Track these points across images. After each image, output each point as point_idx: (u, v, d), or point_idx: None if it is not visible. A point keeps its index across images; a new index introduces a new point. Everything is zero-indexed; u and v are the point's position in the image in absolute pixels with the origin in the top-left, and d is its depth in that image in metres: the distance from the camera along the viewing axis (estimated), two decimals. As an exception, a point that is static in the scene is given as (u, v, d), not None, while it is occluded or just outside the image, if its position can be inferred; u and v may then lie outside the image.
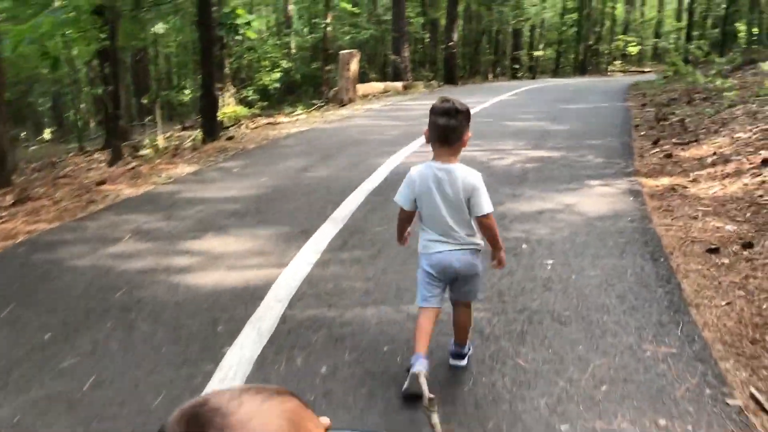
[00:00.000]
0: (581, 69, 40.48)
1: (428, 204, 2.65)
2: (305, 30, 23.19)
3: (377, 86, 16.80)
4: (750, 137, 7.27)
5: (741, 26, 26.38)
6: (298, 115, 12.38)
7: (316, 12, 21.82)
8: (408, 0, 21.85)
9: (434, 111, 2.63)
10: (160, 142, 10.22)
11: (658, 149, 7.58)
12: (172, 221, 5.26)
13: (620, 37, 44.90)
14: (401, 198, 2.73)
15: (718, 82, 11.39)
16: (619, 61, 44.86)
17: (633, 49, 44.64)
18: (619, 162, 6.97)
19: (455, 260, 2.66)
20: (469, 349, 2.92)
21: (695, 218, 5.00)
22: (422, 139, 6.83)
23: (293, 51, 21.20)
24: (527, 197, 5.64)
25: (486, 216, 2.63)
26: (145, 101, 12.89)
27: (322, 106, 13.37)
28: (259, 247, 4.55)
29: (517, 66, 35.20)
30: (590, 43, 40.44)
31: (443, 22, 26.27)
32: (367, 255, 4.30)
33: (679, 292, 3.66)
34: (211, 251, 4.47)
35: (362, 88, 15.56)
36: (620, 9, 46.60)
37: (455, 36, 22.22)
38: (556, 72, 40.56)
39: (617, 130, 9.01)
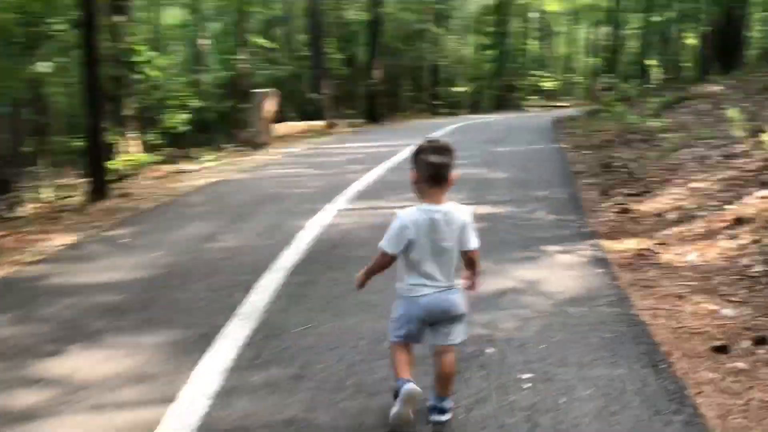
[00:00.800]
0: (499, 104, 40.89)
1: (418, 251, 2.57)
2: (218, 66, 21.97)
3: (297, 126, 15.78)
4: (709, 187, 6.66)
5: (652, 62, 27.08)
6: (208, 161, 11.15)
7: (228, 47, 20.66)
8: (326, 36, 21.06)
9: (424, 150, 2.60)
10: (45, 195, 8.78)
11: (610, 202, 6.86)
12: (26, 325, 3.98)
13: (535, 72, 45.84)
14: (391, 245, 2.60)
15: (653, 122, 10.99)
16: (535, 96, 45.78)
17: (548, 84, 45.66)
18: (572, 219, 6.18)
19: (443, 301, 2.61)
20: (452, 403, 2.72)
21: (681, 298, 4.19)
22: (351, 193, 5.76)
23: (206, 88, 19.92)
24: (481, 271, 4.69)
25: (473, 251, 2.70)
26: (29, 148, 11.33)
27: (235, 151, 12.18)
28: (140, 367, 3.35)
29: (437, 102, 35.00)
30: (508, 78, 40.97)
31: (363, 57, 25.67)
32: (287, 376, 3.20)
33: (701, 421, 2.76)
34: (72, 378, 3.24)
35: (280, 129, 14.50)
36: (534, 45, 47.70)
37: (377, 72, 21.54)
38: (475, 107, 40.80)
39: (559, 178, 8.31)
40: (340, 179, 8.40)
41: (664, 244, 5.31)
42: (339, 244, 5.41)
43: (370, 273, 2.76)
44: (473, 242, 2.65)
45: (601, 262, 4.89)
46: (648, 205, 6.57)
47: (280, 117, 18.76)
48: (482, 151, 11.16)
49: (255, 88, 18.19)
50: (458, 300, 2.66)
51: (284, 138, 14.35)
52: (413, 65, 32.81)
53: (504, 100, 41.57)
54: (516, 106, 41.68)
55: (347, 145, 12.75)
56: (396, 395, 2.57)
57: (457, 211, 2.61)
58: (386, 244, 2.62)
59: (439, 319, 2.63)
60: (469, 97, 41.97)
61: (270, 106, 12.72)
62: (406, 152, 10.97)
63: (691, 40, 27.74)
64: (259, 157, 11.23)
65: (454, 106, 37.60)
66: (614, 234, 5.67)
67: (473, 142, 12.79)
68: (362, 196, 7.34)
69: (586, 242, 5.41)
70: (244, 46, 18.33)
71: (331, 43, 22.37)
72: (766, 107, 10.20)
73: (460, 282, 2.71)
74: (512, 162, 9.78)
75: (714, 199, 6.29)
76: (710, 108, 11.78)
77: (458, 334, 2.69)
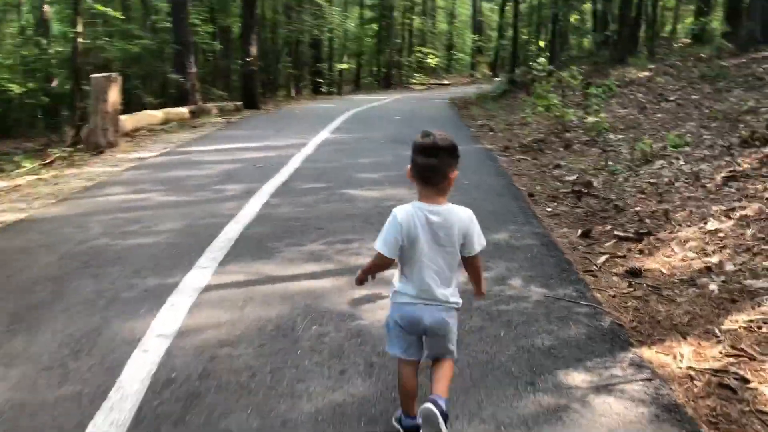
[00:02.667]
0: (385, 82, 39.01)
1: (411, 251, 2.36)
2: (59, 39, 18.18)
3: (154, 116, 12.71)
4: (734, 229, 4.71)
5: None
6: (23, 174, 8.05)
7: (67, 16, 16.95)
8: (193, 5, 17.82)
9: (414, 148, 2.36)
10: None
11: (602, 252, 4.78)
12: None
13: (419, 48, 44.21)
14: (385, 246, 2.35)
15: (592, 118, 9.12)
16: (419, 74, 44.34)
17: (432, 61, 44.18)
18: (571, 295, 4.02)
19: (425, 315, 2.39)
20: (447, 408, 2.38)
21: None
22: (223, 244, 4.62)
23: (41, 67, 16.21)
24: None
25: (475, 256, 2.47)
26: None
27: (67, 156, 9.11)
28: None
29: (319, 80, 32.37)
30: (392, 54, 38.99)
31: (237, 30, 22.53)
32: None
33: None
34: None
35: (132, 121, 11.45)
36: (418, 21, 45.96)
37: (254, 49, 18.61)
38: (358, 85, 38.76)
39: (511, 204, 6.16)
40: (208, 216, 5.80)
41: (742, 354, 3.26)
42: (195, 395, 2.91)
43: (367, 273, 2.55)
44: (475, 247, 2.41)
45: (669, 409, 2.77)
46: (660, 261, 4.54)
47: (136, 103, 15.54)
48: (395, 156, 8.85)
49: (104, 68, 14.89)
50: (447, 319, 2.42)
51: (137, 134, 11.30)
52: (293, 40, 29.91)
53: (389, 78, 39.84)
54: (401, 84, 40.13)
55: (219, 146, 10.00)
56: (399, 421, 2.50)
57: (456, 213, 2.37)
58: (380, 244, 2.37)
59: (423, 333, 2.44)
60: (353, 74, 39.81)
61: (114, 95, 9.70)
62: (299, 159, 8.46)
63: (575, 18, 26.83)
64: (95, 168, 8.25)
65: (338, 85, 35.21)
66: (650, 331, 3.57)
67: (377, 141, 10.44)
68: (242, 251, 4.82)
69: (619, 356, 3.26)
70: (83, 15, 14.79)
71: (199, 13, 19.12)
72: (723, 99, 8.59)
73: (457, 300, 2.45)
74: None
75: (753, 252, 4.36)
76: (652, 99, 10.11)
77: (447, 349, 2.48)
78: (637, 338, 3.49)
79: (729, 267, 4.24)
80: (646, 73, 12.24)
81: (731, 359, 3.23)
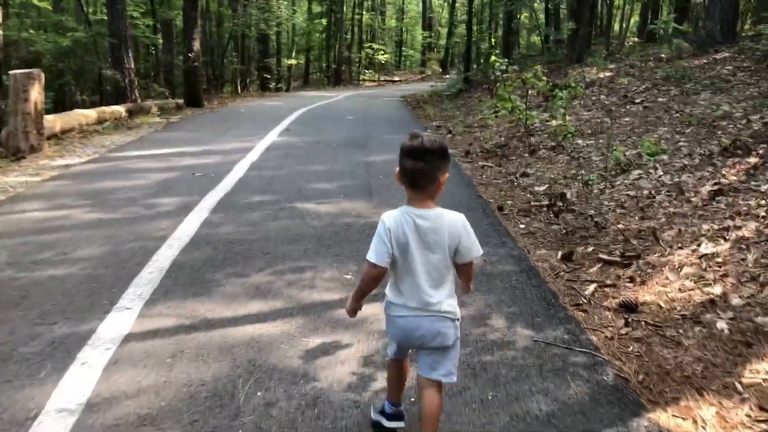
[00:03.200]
0: (335, 78, 38.26)
1: (402, 258, 2.23)
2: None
3: (86, 116, 11.69)
4: (732, 254, 4.23)
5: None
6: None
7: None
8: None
9: (402, 151, 2.22)
10: None
11: (592, 285, 4.22)
12: None
13: (369, 44, 43.56)
14: (376, 254, 2.22)
15: (556, 122, 8.64)
16: (369, 70, 43.75)
17: (382, 58, 43.59)
18: (564, 339, 3.45)
19: (419, 327, 2.25)
20: None
21: None
22: (150, 276, 4.02)
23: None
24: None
25: (469, 264, 2.31)
26: None
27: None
28: None
29: (267, 76, 31.36)
30: (341, 50, 38.23)
31: (180, 23, 21.42)
32: None
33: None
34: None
35: (61, 121, 10.45)
36: (367, 17, 45.29)
37: (197, 43, 17.61)
38: (307, 81, 37.95)
39: (483, 223, 5.55)
40: (136, 238, 5.02)
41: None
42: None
43: (362, 294, 2.36)
44: (477, 249, 2.28)
45: None
46: (655, 291, 4.01)
47: (68, 101, 14.45)
48: (350, 162, 8.17)
49: (34, 63, 13.78)
50: (443, 330, 2.26)
51: (66, 136, 10.31)
52: (239, 34, 28.84)
53: (339, 74, 39.10)
54: (352, 81, 39.44)
55: (155, 150, 9.13)
56: (381, 412, 2.52)
57: (447, 217, 2.25)
58: (372, 254, 2.23)
59: (418, 345, 2.31)
60: (302, 70, 38.88)
61: (36, 94, 8.72)
62: (244, 167, 7.70)
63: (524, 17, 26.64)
64: (11, 178, 7.30)
65: (286, 81, 34.25)
66: (660, 387, 3.02)
67: (329, 144, 9.74)
68: (174, 285, 4.09)
69: (632, 425, 2.72)
70: (9, 4, 13.60)
71: (138, 4, 18.01)
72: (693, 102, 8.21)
73: (454, 310, 2.29)
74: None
75: (759, 282, 3.87)
76: (617, 101, 9.71)
77: (445, 368, 2.30)
78: (647, 396, 2.94)
79: (736, 301, 3.73)
80: (607, 74, 11.87)
81: (764, 425, 2.70)
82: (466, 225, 2.28)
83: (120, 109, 13.36)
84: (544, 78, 8.85)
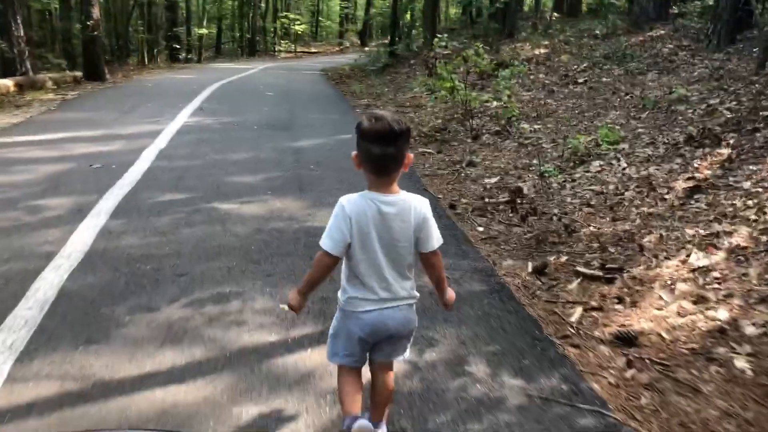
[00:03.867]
0: (250, 49, 36.64)
1: (363, 248, 2.04)
2: None
3: (-35, 92, 10.15)
4: (729, 266, 3.69)
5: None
6: None
7: None
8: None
9: (365, 135, 1.97)
10: None
11: (577, 308, 3.58)
12: None
13: (284, 14, 41.93)
14: (331, 242, 2.02)
15: (496, 103, 8.03)
16: (285, 41, 42.30)
17: (299, 28, 42.08)
18: (562, 390, 2.80)
19: (390, 319, 2.11)
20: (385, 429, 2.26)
21: None
22: (33, 316, 3.19)
23: None
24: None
25: (435, 252, 2.16)
26: None
27: None
28: None
29: (176, 46, 29.46)
30: (255, 19, 36.57)
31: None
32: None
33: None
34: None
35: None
36: (283, -16, 43.56)
37: (96, 10, 15.94)
38: (219, 51, 36.22)
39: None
40: (13, 256, 4.00)
41: None
42: None
43: (311, 285, 2.12)
44: (434, 241, 2.13)
45: None
46: (651, 316, 3.42)
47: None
48: (274, 152, 7.25)
49: None
50: (411, 316, 2.18)
51: (-63, 116, 8.83)
52: (145, 1, 26.82)
53: (253, 45, 37.43)
54: (267, 52, 37.88)
55: (46, 135, 7.86)
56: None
57: (413, 202, 2.07)
58: (327, 241, 2.02)
59: (386, 337, 2.15)
60: (213, 40, 36.96)
61: None
62: (151, 156, 6.66)
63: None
64: None
65: (197, 52, 32.37)
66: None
67: (246, 128, 8.73)
68: (59, 327, 3.16)
69: None
70: None
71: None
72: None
73: (414, 293, 2.17)
74: (341, 180, 6.07)
75: (753, 295, 3.36)
76: (557, 81, 9.19)
77: (402, 350, 2.25)
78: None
79: (750, 330, 3.17)
80: (542, 50, 11.37)
81: None
82: (429, 209, 2.11)
83: (8, 83, 11.80)
84: (486, 56, 8.19)
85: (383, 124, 1.93)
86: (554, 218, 4.78)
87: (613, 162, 5.62)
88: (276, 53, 37.87)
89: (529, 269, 4.05)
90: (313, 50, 41.42)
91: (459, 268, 4.02)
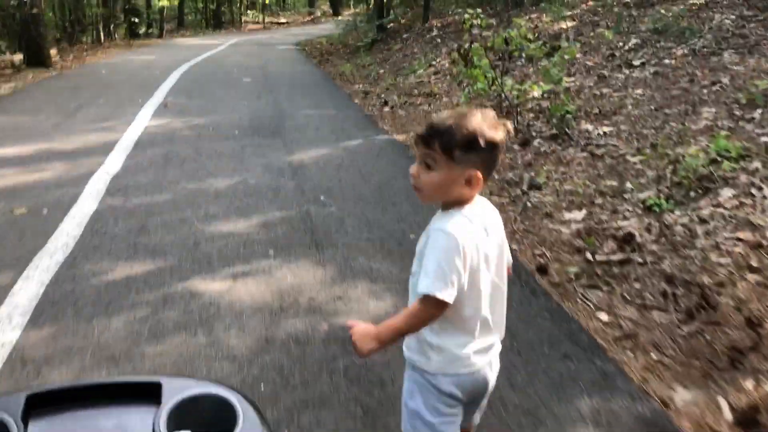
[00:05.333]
0: (214, 21, 34.41)
1: (471, 285, 1.54)
2: None
3: None
4: None
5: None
6: None
7: None
8: None
9: (494, 146, 1.52)
10: None
11: None
12: None
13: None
14: (451, 288, 1.47)
15: (537, 92, 6.39)
16: (252, 11, 40.14)
17: (266, -3, 39.73)
18: None
19: (492, 372, 1.68)
20: None
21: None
22: None
23: None
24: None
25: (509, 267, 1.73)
26: None
27: None
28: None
29: (135, 20, 27.11)
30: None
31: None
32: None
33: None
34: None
35: None
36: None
37: (36, -16, 13.76)
38: (182, 23, 33.91)
39: (528, 308, 3.19)
40: None
41: None
42: None
43: (400, 335, 1.57)
44: (509, 254, 1.72)
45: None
46: None
47: None
48: (266, 172, 5.51)
49: None
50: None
51: None
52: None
53: (218, 16, 35.12)
54: (233, 23, 35.66)
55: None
56: None
57: (490, 206, 1.66)
58: (445, 288, 1.46)
59: (482, 395, 1.75)
60: (175, 11, 34.48)
61: None
62: (99, 188, 4.88)
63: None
64: None
65: (159, 26, 29.98)
66: None
67: (224, 134, 6.92)
68: None
69: None
70: None
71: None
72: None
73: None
74: (360, 228, 4.39)
75: None
76: (604, 63, 7.53)
77: (481, 409, 1.84)
78: None
79: None
80: (568, 24, 9.68)
81: None
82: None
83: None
84: (531, 36, 6.48)
85: (505, 128, 1.54)
86: (700, 293, 3.16)
87: (753, 191, 4.01)
88: (243, 25, 35.64)
89: (727, 416, 2.45)
90: (282, 20, 39.12)
91: (607, 412, 2.40)
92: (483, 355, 1.63)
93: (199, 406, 0.96)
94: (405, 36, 13.65)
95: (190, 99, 8.95)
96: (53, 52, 16.29)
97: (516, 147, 5.80)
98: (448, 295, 1.46)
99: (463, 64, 6.00)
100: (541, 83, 6.40)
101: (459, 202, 1.55)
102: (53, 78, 11.82)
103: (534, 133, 5.96)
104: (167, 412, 0.95)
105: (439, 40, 11.92)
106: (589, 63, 7.68)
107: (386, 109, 8.04)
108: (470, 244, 1.51)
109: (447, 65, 9.68)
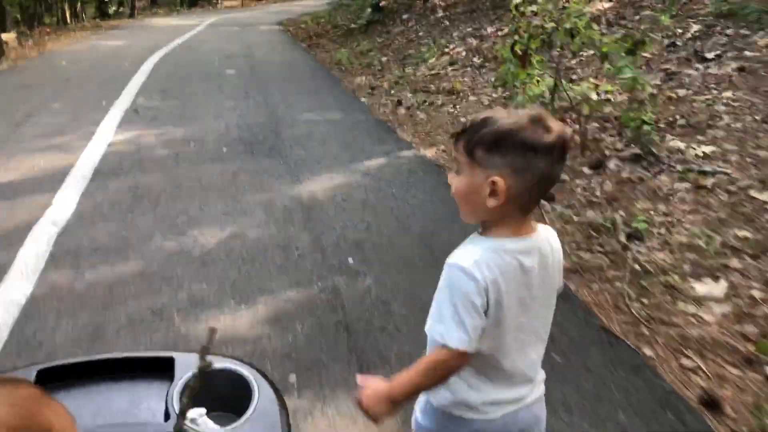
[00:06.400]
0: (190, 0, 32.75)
1: (497, 326, 1.24)
2: None
3: None
4: None
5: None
6: None
7: None
8: None
9: (536, 148, 1.15)
10: None
11: None
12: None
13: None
14: (464, 334, 1.19)
15: (596, 96, 5.13)
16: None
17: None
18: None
19: (532, 417, 1.37)
20: None
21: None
22: None
23: None
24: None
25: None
26: None
27: None
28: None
29: (106, 0, 25.34)
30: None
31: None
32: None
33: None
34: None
35: None
36: None
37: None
38: (155, 2, 32.19)
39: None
40: None
41: None
42: None
43: (416, 392, 1.30)
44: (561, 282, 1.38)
45: None
46: None
47: None
48: (270, 220, 4.20)
49: None
50: (542, 413, 1.41)
51: None
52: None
53: (192, -7, 33.34)
54: (209, 1, 33.90)
55: None
56: None
57: (548, 238, 1.31)
58: (458, 334, 1.19)
59: None
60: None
61: None
62: (42, 251, 3.54)
63: None
64: None
65: (128, 3, 28.16)
66: None
67: (209, 152, 5.57)
68: None
69: None
70: None
71: None
72: None
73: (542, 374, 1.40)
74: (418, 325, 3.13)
75: None
76: (665, 56, 6.28)
77: None
78: None
79: None
80: (605, 4, 8.37)
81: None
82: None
83: None
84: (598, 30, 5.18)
85: (553, 135, 1.15)
86: None
87: None
88: (218, 2, 33.89)
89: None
90: (260, -2, 37.29)
91: None
92: (506, 406, 1.31)
93: (213, 382, 0.92)
94: (405, 17, 12.24)
95: (164, 100, 7.53)
96: (11, 36, 14.70)
97: (586, 170, 4.54)
98: (467, 344, 1.19)
99: (516, 63, 4.67)
100: (607, 84, 5.13)
101: (498, 223, 1.23)
102: (2, 73, 10.26)
103: (607, 152, 4.69)
104: (180, 388, 0.97)
105: (447, 23, 10.53)
106: (646, 55, 6.39)
107: (401, 110, 6.70)
108: (493, 286, 1.19)
109: (464, 54, 8.35)
